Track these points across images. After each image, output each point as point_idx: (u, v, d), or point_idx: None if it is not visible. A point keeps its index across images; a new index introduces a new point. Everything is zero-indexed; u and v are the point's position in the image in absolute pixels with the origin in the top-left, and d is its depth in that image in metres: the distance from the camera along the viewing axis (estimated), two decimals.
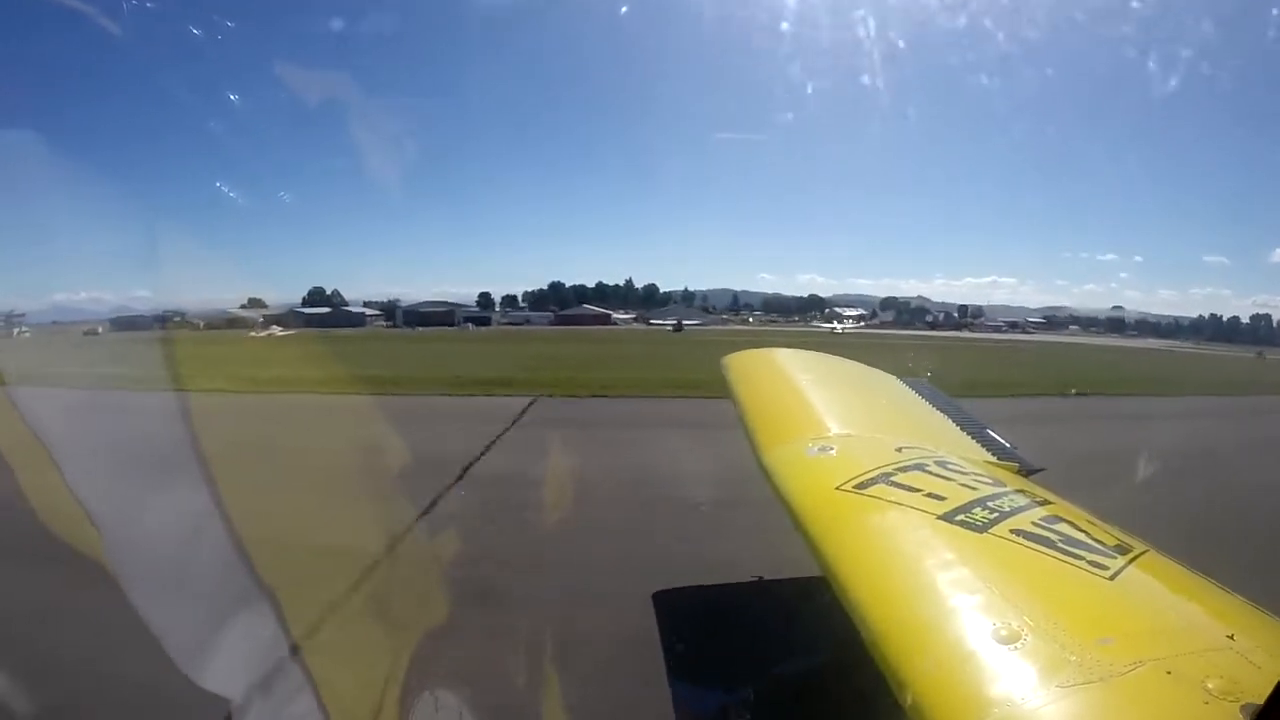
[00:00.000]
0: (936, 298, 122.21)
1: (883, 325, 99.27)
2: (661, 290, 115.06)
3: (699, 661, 5.59)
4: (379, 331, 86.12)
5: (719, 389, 6.52)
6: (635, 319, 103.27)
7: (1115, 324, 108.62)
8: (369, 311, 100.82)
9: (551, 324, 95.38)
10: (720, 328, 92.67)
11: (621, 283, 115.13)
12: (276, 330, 71.13)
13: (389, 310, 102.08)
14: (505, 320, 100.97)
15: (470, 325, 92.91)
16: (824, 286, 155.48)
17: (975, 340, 78.66)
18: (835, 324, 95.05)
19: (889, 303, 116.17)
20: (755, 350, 6.98)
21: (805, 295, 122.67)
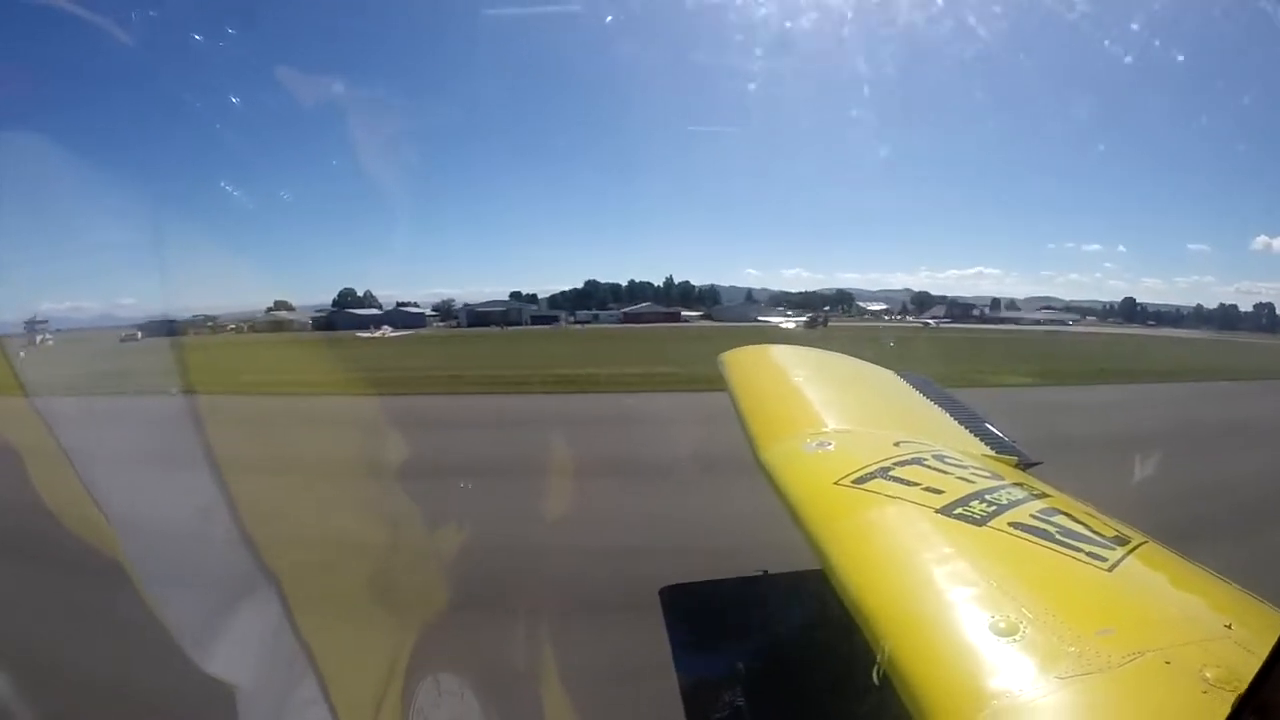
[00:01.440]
0: (919, 289, 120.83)
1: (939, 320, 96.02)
2: (689, 287, 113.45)
3: (704, 652, 5.61)
4: (472, 333, 79.92)
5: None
6: (703, 316, 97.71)
7: (1127, 314, 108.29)
8: (428, 312, 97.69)
9: (620, 323, 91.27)
10: (844, 325, 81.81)
11: (659, 281, 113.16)
12: (389, 331, 70.32)
13: (445, 311, 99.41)
14: (573, 320, 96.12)
15: (564, 323, 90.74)
16: (810, 281, 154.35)
17: (1078, 335, 75.13)
18: (930, 320, 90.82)
19: (922, 298, 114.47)
20: (752, 347, 6.97)
21: (832, 290, 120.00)
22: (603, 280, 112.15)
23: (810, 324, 73.61)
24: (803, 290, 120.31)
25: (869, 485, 3.33)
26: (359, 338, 63.59)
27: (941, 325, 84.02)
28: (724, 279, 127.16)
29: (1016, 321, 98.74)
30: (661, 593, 6.76)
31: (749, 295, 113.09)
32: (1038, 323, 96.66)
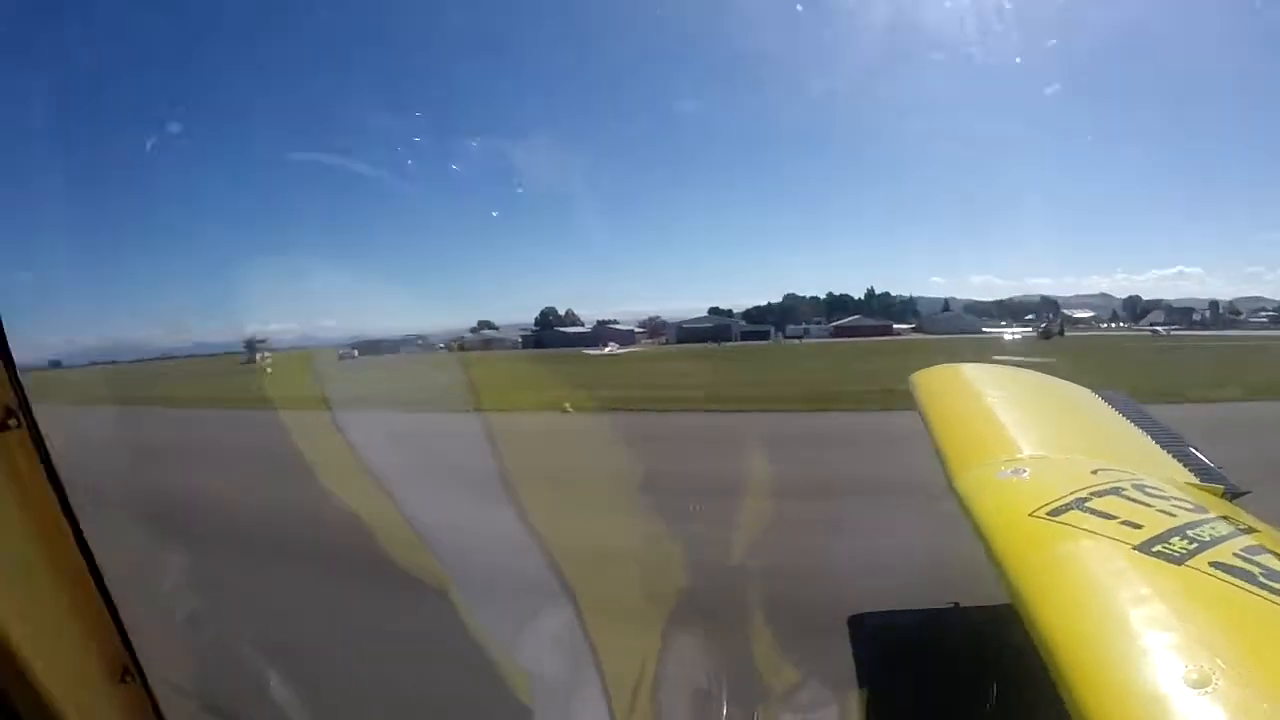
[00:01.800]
0: (1118, 293, 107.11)
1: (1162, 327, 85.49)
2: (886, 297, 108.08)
3: (889, 683, 5.72)
4: (689, 349, 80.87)
5: None
6: (914, 329, 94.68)
7: None
8: (635, 329, 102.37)
9: (831, 337, 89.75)
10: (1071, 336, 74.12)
11: (860, 294, 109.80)
12: (616, 348, 75.91)
13: (652, 328, 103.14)
14: (783, 335, 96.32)
15: (785, 339, 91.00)
16: (1002, 289, 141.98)
17: None
18: (1158, 327, 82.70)
19: (1133, 302, 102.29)
20: (942, 366, 6.88)
21: (1036, 297, 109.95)
22: (802, 293, 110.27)
23: (1045, 335, 66.40)
24: (995, 299, 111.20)
25: (1064, 518, 3.31)
26: (589, 355, 66.04)
27: (1172, 333, 74.03)
28: (912, 289, 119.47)
29: (1240, 326, 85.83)
30: (850, 620, 6.82)
31: (945, 305, 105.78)
32: (1264, 326, 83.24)
